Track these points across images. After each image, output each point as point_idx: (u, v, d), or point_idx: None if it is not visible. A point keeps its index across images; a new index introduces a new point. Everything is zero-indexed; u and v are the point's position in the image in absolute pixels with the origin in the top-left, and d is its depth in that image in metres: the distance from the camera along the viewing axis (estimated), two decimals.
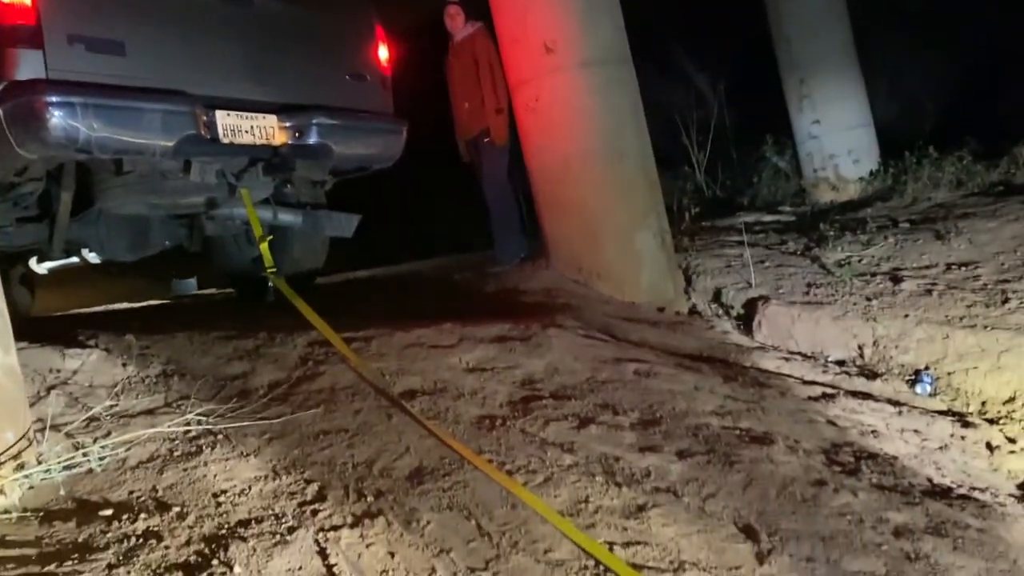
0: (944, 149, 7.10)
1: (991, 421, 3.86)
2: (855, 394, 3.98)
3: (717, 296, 5.41)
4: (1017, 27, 7.85)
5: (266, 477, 2.40)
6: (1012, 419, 3.91)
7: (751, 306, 5.12)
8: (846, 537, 2.44)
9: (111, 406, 2.80)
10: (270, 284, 4.41)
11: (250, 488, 2.33)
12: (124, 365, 3.20)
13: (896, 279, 5.04)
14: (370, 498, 2.33)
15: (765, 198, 8.57)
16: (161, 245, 4.27)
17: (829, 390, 3.97)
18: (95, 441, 2.50)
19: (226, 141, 3.62)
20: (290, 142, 3.95)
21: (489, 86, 5.83)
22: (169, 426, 2.62)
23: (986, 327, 4.39)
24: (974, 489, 3.03)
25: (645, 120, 5.38)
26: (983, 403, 4.09)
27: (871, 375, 4.37)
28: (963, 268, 5.02)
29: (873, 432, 3.46)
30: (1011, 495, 3.06)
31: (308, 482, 2.39)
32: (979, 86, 8.22)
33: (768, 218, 7.14)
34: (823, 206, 7.82)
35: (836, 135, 8.50)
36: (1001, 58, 8.23)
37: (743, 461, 2.83)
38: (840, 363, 4.56)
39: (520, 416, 3.01)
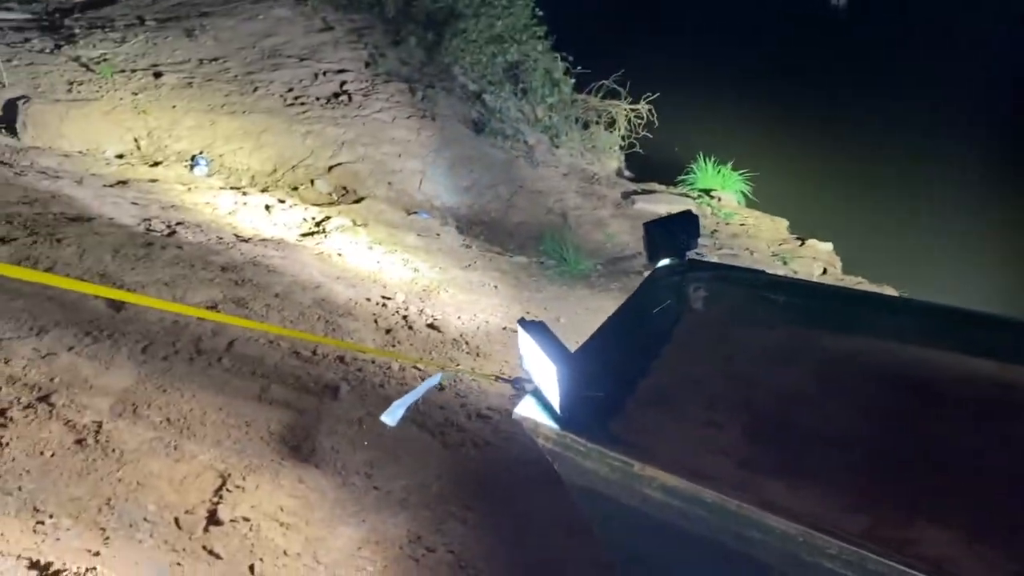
0: None
1: (263, 190, 4.55)
2: (145, 180, 4.22)
3: None
4: None
5: None
6: (277, 186, 4.69)
7: (11, 108, 4.75)
8: (184, 279, 2.78)
9: None
10: None
11: None
12: None
13: (157, 74, 5.26)
14: None
15: None
16: None
17: (121, 179, 4.12)
18: None
19: None
20: None
21: None
22: None
23: (244, 112, 5.02)
24: (266, 237, 3.66)
25: None
26: (252, 176, 4.77)
27: (153, 163, 4.62)
28: (214, 62, 5.51)
29: (174, 206, 3.80)
30: (296, 237, 3.80)
31: None
32: None
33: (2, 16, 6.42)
34: (61, 3, 7.33)
35: None
36: None
37: (69, 237, 2.88)
38: (120, 156, 4.68)
39: None
